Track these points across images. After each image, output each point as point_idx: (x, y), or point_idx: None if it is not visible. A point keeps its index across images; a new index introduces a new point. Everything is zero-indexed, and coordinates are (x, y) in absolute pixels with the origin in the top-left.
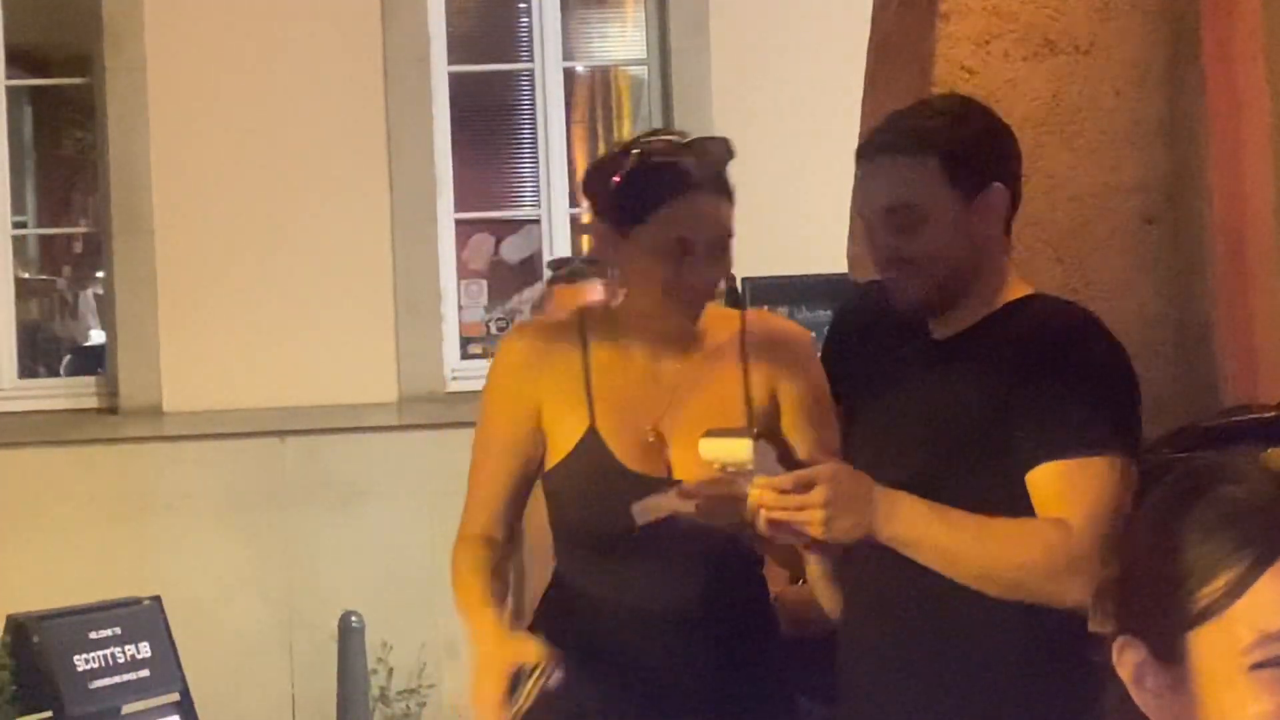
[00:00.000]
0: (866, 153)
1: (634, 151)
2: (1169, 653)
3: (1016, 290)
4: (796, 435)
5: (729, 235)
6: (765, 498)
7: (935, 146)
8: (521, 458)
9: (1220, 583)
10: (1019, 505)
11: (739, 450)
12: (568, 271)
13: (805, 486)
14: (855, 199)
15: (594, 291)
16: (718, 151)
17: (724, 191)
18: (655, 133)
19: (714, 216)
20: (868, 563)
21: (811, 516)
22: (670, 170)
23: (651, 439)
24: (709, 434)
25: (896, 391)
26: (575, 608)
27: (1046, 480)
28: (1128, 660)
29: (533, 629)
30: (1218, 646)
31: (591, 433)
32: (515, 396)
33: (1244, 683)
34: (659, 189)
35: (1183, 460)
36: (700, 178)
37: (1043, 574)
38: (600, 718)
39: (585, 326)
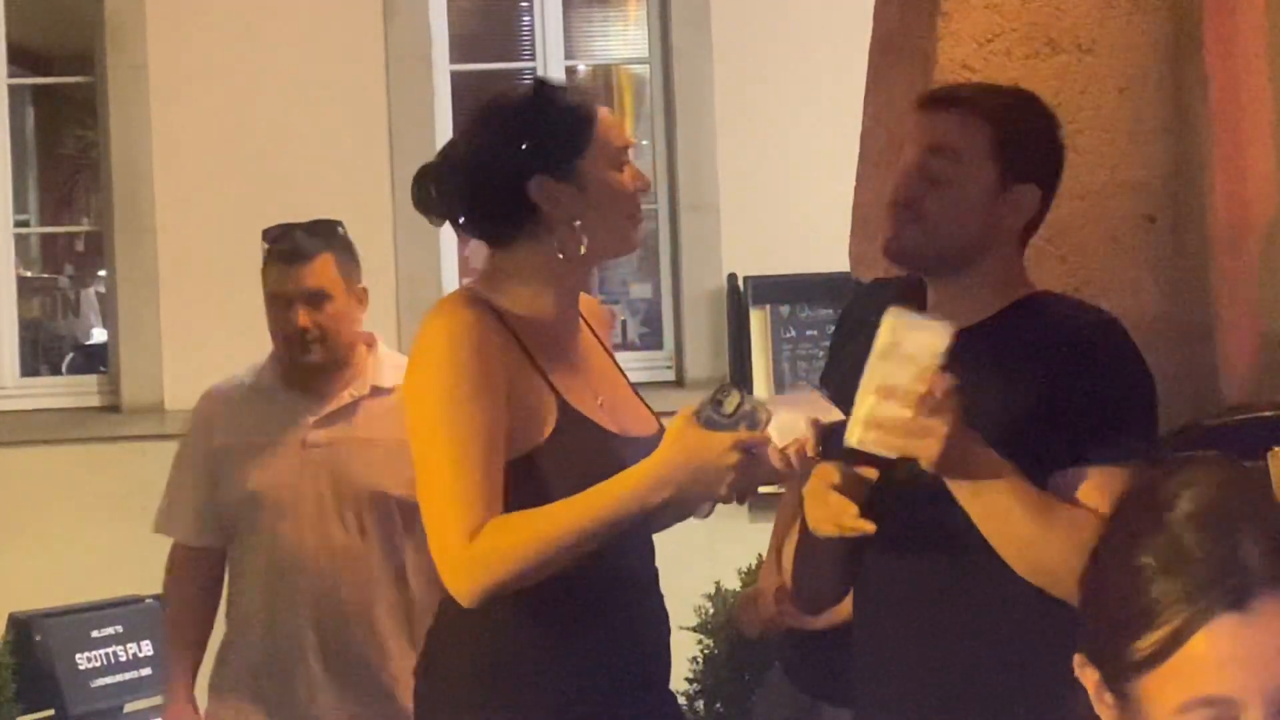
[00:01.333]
0: (932, 99)
1: (528, 97)
2: (1117, 686)
3: (1025, 288)
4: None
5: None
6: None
7: (997, 117)
8: (505, 443)
9: (1157, 635)
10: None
11: (935, 341)
12: (290, 248)
13: (936, 408)
14: (906, 134)
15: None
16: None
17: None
18: (496, 95)
19: (621, 123)
20: (882, 561)
21: (929, 444)
22: (573, 96)
23: (600, 402)
24: (895, 312)
25: None
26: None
27: (1078, 484)
28: (1088, 676)
29: (518, 604)
30: (1157, 696)
31: (566, 406)
32: (492, 377)
33: None
34: (578, 115)
35: (1154, 474)
36: (594, 93)
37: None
38: (592, 680)
39: (494, 306)
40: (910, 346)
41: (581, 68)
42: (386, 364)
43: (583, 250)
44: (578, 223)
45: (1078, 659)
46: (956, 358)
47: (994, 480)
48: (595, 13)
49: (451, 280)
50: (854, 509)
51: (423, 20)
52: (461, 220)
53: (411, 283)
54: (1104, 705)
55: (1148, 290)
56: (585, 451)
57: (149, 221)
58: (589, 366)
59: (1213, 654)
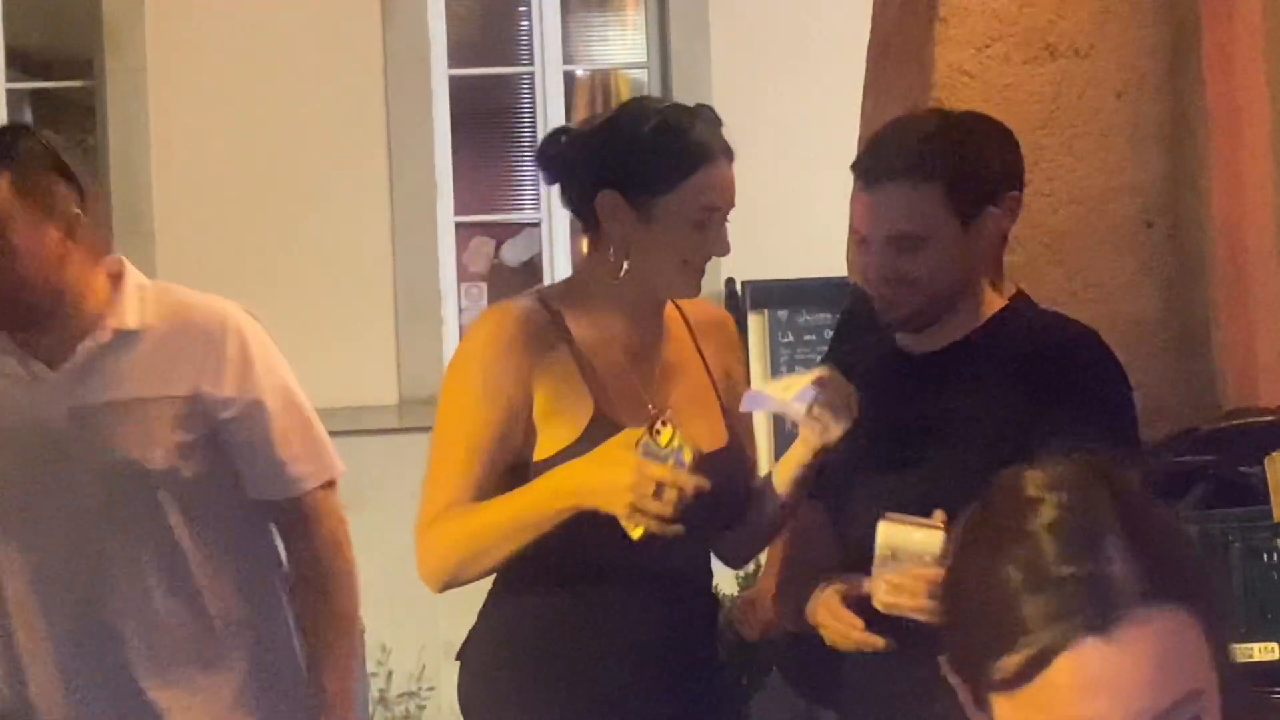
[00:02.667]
0: (870, 174)
1: (654, 120)
2: (979, 699)
3: (992, 301)
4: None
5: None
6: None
7: (940, 175)
8: (510, 452)
9: (1013, 661)
10: None
11: (930, 541)
12: None
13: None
14: (853, 213)
15: None
16: (714, 115)
17: (732, 157)
18: (643, 100)
19: (732, 184)
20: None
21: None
22: (694, 136)
23: (653, 412)
24: (890, 519)
25: (888, 407)
26: (570, 583)
27: None
28: (954, 683)
29: (521, 609)
30: (1015, 718)
31: (599, 413)
32: (510, 385)
33: None
34: (681, 158)
35: (1017, 473)
36: (720, 144)
37: None
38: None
39: (552, 309)
40: (908, 553)
41: (580, 72)
42: (133, 299)
43: (620, 274)
44: (626, 246)
45: (943, 664)
46: (937, 376)
47: None
48: (594, 17)
49: (449, 283)
50: (860, 623)
51: (421, 24)
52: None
53: (409, 285)
54: (973, 713)
55: (1145, 294)
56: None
57: (147, 225)
58: (658, 375)
59: (1070, 680)
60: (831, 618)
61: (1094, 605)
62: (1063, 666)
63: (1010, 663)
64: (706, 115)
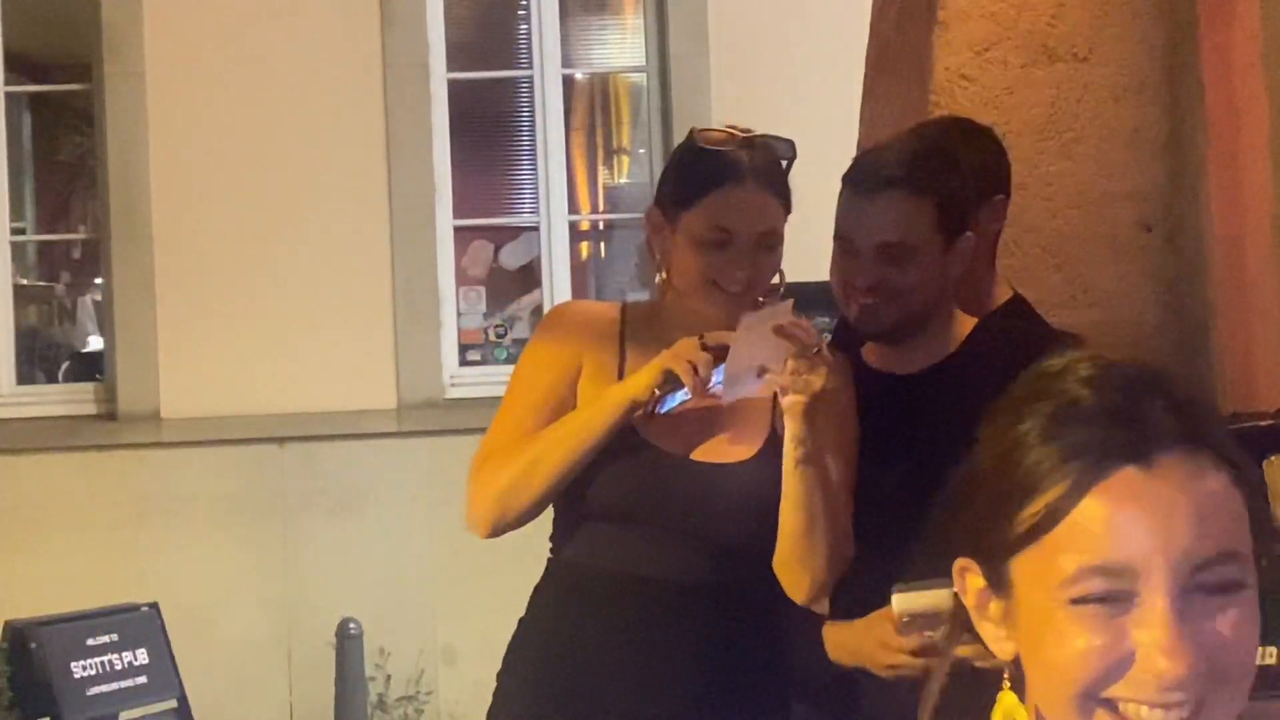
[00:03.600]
0: (866, 183)
1: (690, 138)
2: (998, 579)
3: (965, 321)
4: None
5: (774, 233)
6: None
7: (933, 190)
8: (560, 411)
9: (1041, 504)
10: None
11: (943, 599)
12: None
13: None
14: (843, 221)
15: None
16: (776, 149)
17: (775, 189)
18: (731, 127)
19: (759, 210)
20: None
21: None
22: (720, 158)
23: (682, 419)
24: (901, 587)
25: (872, 431)
26: (577, 580)
27: None
28: (969, 586)
29: (533, 608)
30: (1038, 576)
31: None
32: (560, 352)
33: (1063, 617)
34: (707, 175)
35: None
36: (751, 170)
37: None
38: (601, 688)
39: (626, 313)
40: (924, 617)
41: (579, 75)
42: None
43: (657, 280)
44: (659, 256)
45: (957, 567)
46: (920, 398)
47: None
48: (593, 21)
49: (448, 287)
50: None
51: (420, 28)
52: None
53: (408, 289)
54: (985, 619)
55: (1144, 298)
56: (617, 459)
57: (145, 229)
58: None
59: (1107, 513)
60: (880, 648)
61: (1134, 435)
62: (1094, 500)
63: (1038, 505)
64: (762, 142)
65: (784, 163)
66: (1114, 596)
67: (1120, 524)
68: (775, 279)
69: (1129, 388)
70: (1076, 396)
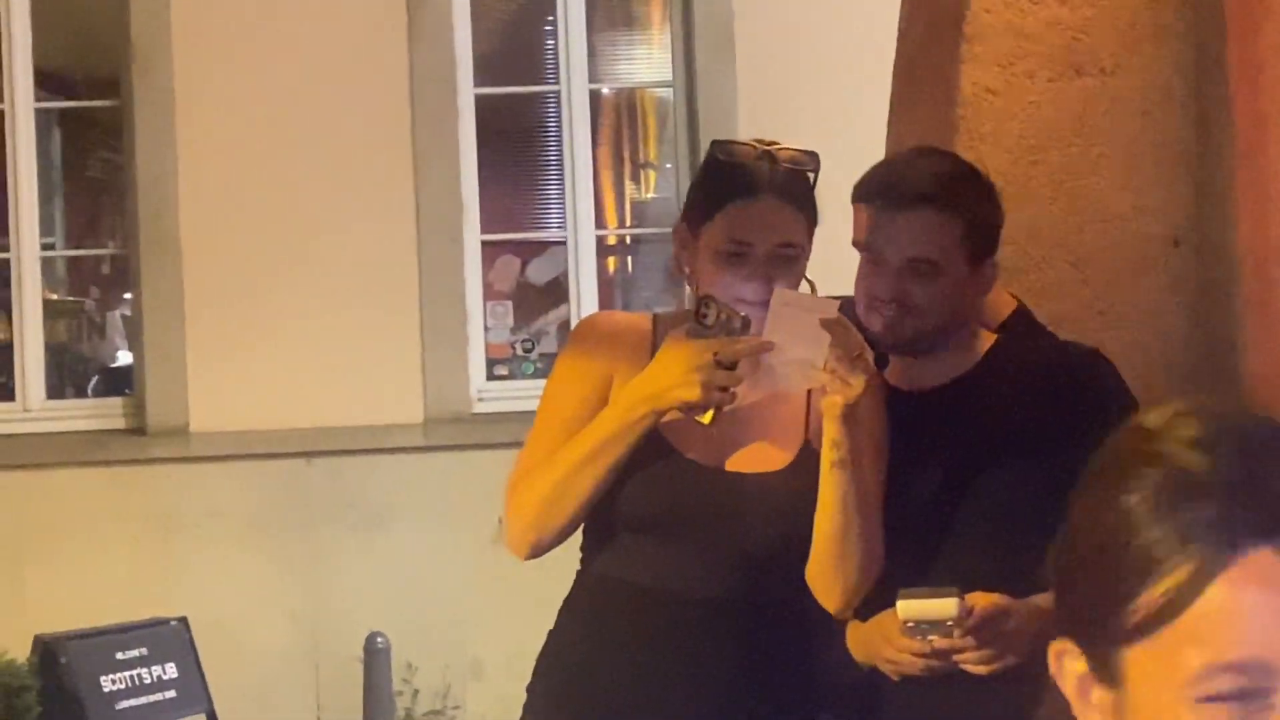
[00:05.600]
0: (896, 198)
1: (711, 152)
2: (1106, 670)
3: (985, 336)
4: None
5: (794, 246)
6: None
7: (964, 211)
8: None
9: (1159, 591)
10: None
11: (944, 608)
12: None
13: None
14: (872, 234)
15: None
16: (798, 160)
17: (797, 202)
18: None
19: (779, 222)
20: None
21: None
22: (739, 170)
23: (715, 431)
24: (906, 594)
25: (905, 445)
26: (607, 594)
27: None
28: (1068, 670)
29: (562, 621)
30: (1157, 669)
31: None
32: (598, 367)
33: (1188, 717)
34: (726, 188)
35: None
36: (769, 182)
37: None
38: (631, 702)
39: (657, 324)
40: (928, 622)
41: (605, 90)
42: None
43: (687, 295)
44: (688, 270)
45: (1054, 649)
46: (943, 413)
47: (1041, 627)
48: (619, 36)
49: (476, 302)
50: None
51: (447, 43)
52: None
53: (435, 303)
54: (1088, 706)
55: (1172, 314)
56: (647, 469)
57: (174, 244)
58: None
59: (1238, 603)
60: (888, 648)
61: (1264, 511)
62: (1226, 587)
63: (1155, 593)
64: (787, 155)
65: (808, 174)
66: (1248, 694)
67: (1254, 615)
68: (806, 288)
69: (1248, 452)
70: (1187, 463)
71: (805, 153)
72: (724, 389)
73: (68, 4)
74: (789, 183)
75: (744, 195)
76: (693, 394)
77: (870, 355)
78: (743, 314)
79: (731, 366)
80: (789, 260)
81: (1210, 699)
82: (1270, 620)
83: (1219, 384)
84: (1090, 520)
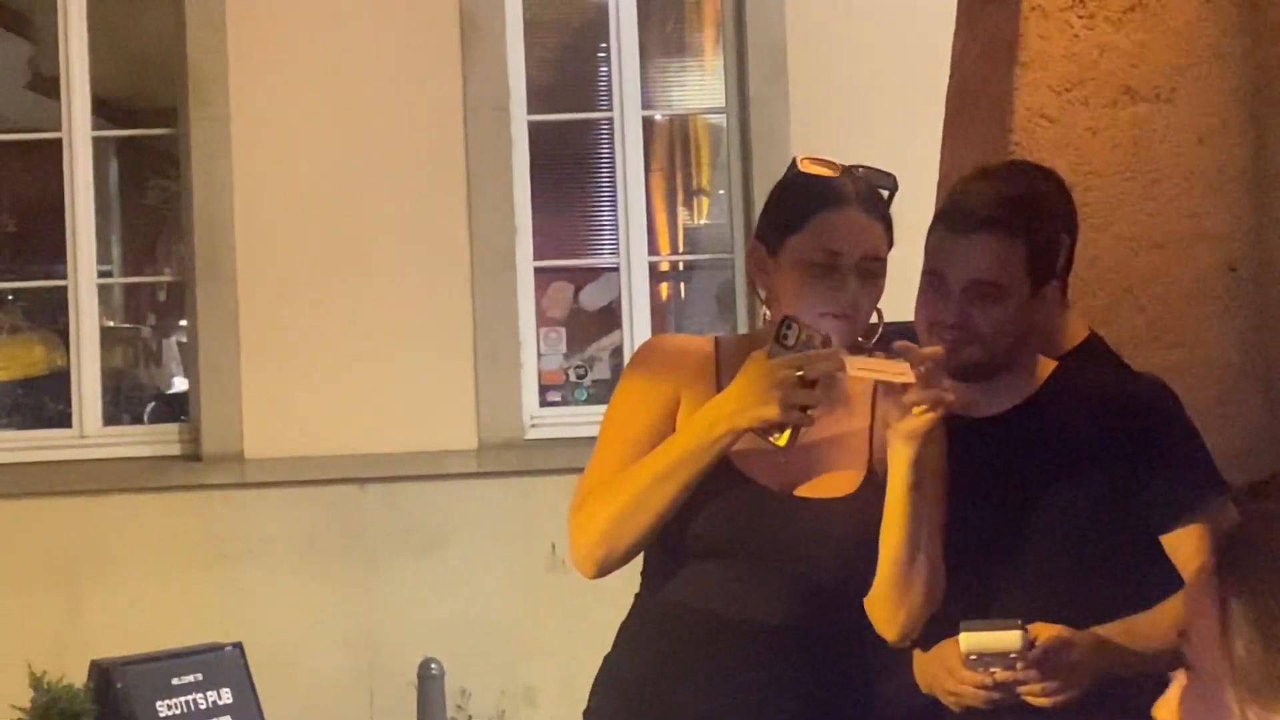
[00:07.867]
0: (959, 221)
1: (792, 167)
2: None
3: (1045, 364)
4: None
5: (879, 260)
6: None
7: (1026, 234)
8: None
9: None
10: (1149, 556)
11: (1008, 640)
12: None
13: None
14: (934, 256)
15: None
16: (878, 179)
17: (881, 215)
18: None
19: (865, 233)
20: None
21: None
22: (824, 182)
23: (784, 458)
24: (968, 626)
25: (964, 471)
26: (675, 620)
27: (1188, 542)
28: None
29: (620, 646)
30: None
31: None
32: (657, 387)
33: None
34: (812, 199)
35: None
36: (855, 194)
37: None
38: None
39: (720, 347)
40: (991, 654)
41: (659, 117)
42: None
43: (762, 321)
44: (763, 293)
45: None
46: (1004, 441)
47: (1103, 659)
48: (672, 63)
49: (529, 328)
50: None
51: (501, 71)
52: None
53: (488, 330)
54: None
55: (1228, 340)
56: (718, 496)
57: (230, 271)
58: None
59: None
60: (949, 678)
61: None
62: None
63: None
64: (864, 171)
65: (885, 193)
66: None
67: None
68: (875, 318)
69: None
70: None
71: (884, 173)
72: (804, 409)
73: (125, 33)
74: (872, 197)
75: (833, 206)
76: (772, 412)
77: (950, 387)
78: (824, 333)
79: (812, 385)
80: (873, 275)
81: None
82: None
83: (1275, 408)
84: (1259, 630)
